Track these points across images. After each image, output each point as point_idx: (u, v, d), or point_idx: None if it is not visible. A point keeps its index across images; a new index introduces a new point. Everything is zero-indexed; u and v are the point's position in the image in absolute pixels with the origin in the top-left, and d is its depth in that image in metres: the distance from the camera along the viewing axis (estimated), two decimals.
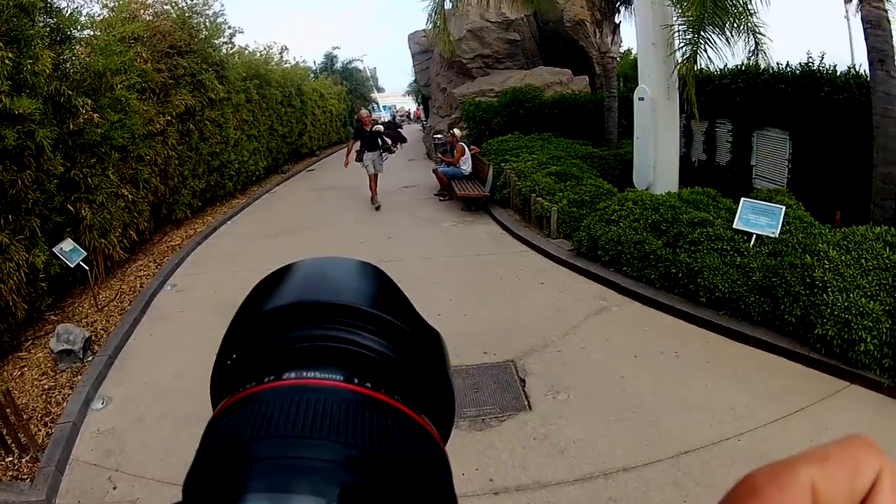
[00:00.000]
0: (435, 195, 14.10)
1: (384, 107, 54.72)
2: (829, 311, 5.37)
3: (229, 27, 13.79)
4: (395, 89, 62.89)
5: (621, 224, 8.01)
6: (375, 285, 0.42)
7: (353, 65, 38.16)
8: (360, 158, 13.19)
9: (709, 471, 4.15)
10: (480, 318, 6.83)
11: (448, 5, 13.95)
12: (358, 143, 13.16)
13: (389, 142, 13.60)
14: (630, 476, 4.12)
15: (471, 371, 5.60)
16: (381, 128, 13.43)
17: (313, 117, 22.78)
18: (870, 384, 5.11)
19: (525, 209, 10.89)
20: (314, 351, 0.36)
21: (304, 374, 0.34)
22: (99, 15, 9.20)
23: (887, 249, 5.78)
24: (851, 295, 5.38)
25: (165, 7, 11.33)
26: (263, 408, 0.32)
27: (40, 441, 4.75)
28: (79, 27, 8.11)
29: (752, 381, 5.31)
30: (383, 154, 13.27)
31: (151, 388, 5.57)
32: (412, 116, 53.09)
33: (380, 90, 54.62)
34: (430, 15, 14.06)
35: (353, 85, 35.07)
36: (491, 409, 5.02)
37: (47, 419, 5.10)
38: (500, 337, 6.28)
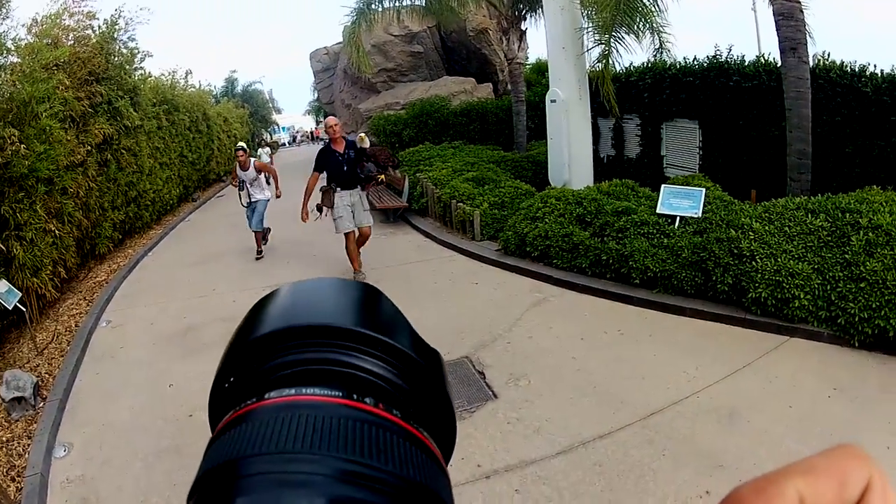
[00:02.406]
0: None
1: (283, 128, 53.79)
2: (759, 276, 5.85)
3: (140, 51, 13.21)
4: (292, 110, 62.28)
5: (547, 220, 8.31)
6: (375, 307, 0.42)
7: (253, 87, 37.71)
8: (326, 204, 8.13)
9: (677, 426, 4.42)
10: (424, 322, 6.80)
11: (364, 26, 13.94)
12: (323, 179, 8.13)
13: (374, 169, 8.36)
14: (607, 442, 4.32)
15: None
16: (367, 144, 8.86)
17: (219, 142, 22.23)
18: (809, 335, 5.58)
19: (446, 215, 11.05)
20: (312, 373, 0.36)
21: (303, 391, 0.34)
22: (22, 40, 8.72)
23: (809, 216, 6.30)
24: (779, 259, 5.88)
25: (86, 32, 10.75)
26: (258, 424, 0.32)
27: (13, 496, 4.44)
28: (4, 52, 7.65)
29: (696, 347, 5.68)
30: (364, 192, 8.29)
31: (111, 429, 5.25)
32: (313, 136, 52.16)
33: (278, 111, 53.88)
34: (347, 37, 14.03)
35: (255, 107, 34.57)
36: (458, 403, 5.08)
37: (13, 473, 4.76)
38: (447, 337, 6.37)
